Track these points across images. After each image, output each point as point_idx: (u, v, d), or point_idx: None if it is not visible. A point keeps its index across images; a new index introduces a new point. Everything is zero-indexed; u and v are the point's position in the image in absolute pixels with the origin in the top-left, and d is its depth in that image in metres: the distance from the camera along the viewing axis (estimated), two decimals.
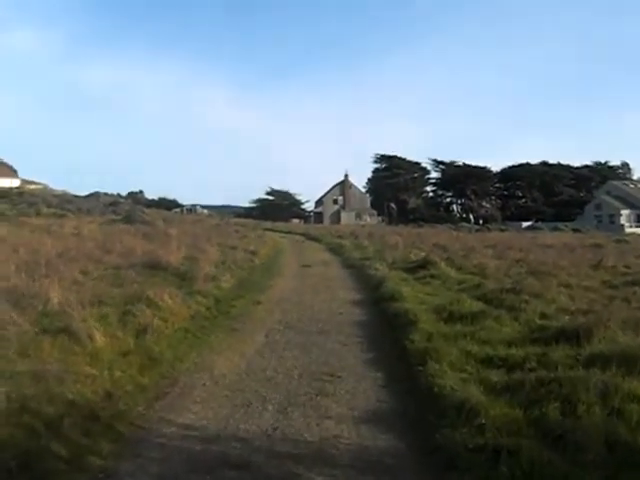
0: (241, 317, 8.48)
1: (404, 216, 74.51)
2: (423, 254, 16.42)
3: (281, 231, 42.96)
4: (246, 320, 8.29)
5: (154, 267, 10.93)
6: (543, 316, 7.43)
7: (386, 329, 7.80)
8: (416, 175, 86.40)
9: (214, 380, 5.54)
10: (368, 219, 77.19)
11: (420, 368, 5.43)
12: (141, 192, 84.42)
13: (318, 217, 77.94)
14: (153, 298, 7.52)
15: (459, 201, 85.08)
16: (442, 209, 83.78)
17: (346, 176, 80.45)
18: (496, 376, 4.99)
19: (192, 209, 67.54)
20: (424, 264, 13.86)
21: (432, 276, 12.23)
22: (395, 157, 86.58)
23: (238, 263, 14.44)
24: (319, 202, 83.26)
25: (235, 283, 11.51)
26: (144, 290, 7.98)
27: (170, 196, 79.51)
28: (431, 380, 5.01)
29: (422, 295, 9.70)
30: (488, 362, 5.48)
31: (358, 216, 77.66)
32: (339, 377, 5.64)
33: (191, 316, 7.82)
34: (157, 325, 6.52)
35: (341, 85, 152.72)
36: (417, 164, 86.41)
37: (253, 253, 17.86)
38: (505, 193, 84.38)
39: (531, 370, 4.99)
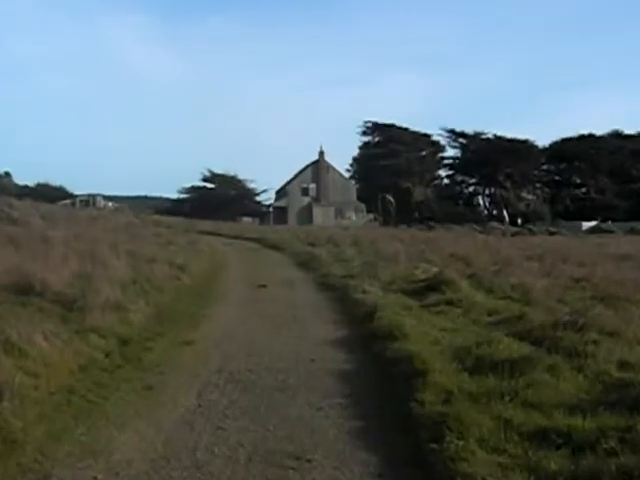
0: (160, 367, 8.43)
1: (407, 213, 75.64)
2: (435, 269, 16.74)
3: (225, 235, 43.48)
4: (168, 371, 8.25)
5: (23, 291, 10.67)
6: (623, 366, 7.40)
7: (381, 384, 7.82)
8: (424, 153, 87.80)
9: (112, 471, 5.30)
10: (353, 217, 77.93)
11: (434, 446, 5.37)
12: (7, 175, 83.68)
13: (280, 214, 78.69)
14: (17, 341, 7.34)
15: (487, 191, 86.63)
16: (462, 203, 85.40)
17: (321, 154, 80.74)
18: (555, 462, 4.87)
19: (90, 201, 66.95)
20: (437, 284, 14.12)
21: (449, 302, 12.43)
22: (393, 127, 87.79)
23: (158, 283, 14.59)
24: (281, 193, 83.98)
25: (152, 314, 11.58)
26: (2, 328, 7.76)
27: (55, 182, 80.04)
28: (452, 467, 4.91)
29: (434, 331, 9.79)
30: (540, 438, 5.37)
31: (339, 213, 78.65)
32: (309, 462, 5.52)
33: (80, 368, 7.74)
34: (22, 384, 6.28)
35: (310, 23, 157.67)
36: (425, 137, 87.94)
37: (181, 268, 18.15)
38: (556, 179, 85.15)
39: (610, 453, 4.88)
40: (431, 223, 59.84)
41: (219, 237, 41.07)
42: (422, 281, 15.25)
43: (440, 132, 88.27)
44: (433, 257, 21.46)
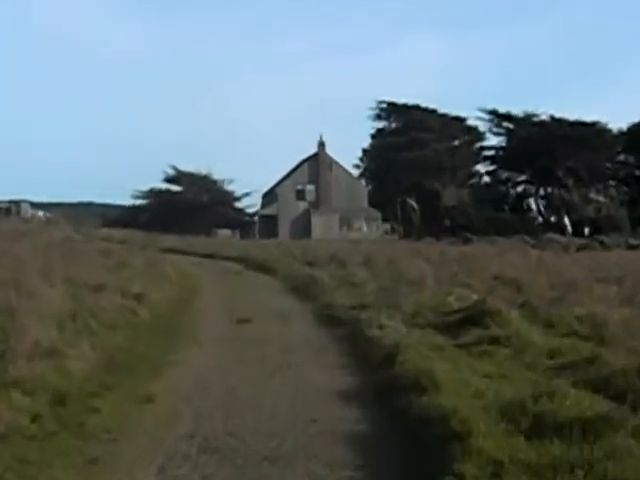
0: (110, 432, 8.38)
1: (435, 222, 75.81)
2: (474, 296, 16.91)
3: (196, 253, 44.02)
4: (121, 438, 8.21)
5: None
6: None
7: (405, 451, 7.80)
8: (457, 143, 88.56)
9: None
10: (364, 228, 78.71)
11: None
12: None
13: (268, 225, 79.52)
14: None
15: (542, 191, 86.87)
16: (509, 207, 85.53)
17: (321, 146, 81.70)
18: None
19: (12, 209, 66.76)
20: (477, 317, 14.23)
21: (494, 340, 12.52)
22: (416, 108, 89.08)
23: (107, 319, 14.66)
24: (270, 197, 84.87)
25: (100, 360, 11.58)
26: None
27: None
28: None
29: (476, 380, 9.79)
30: None
31: (345, 223, 79.52)
32: None
33: None
34: None
35: None
36: (459, 121, 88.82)
37: (139, 298, 18.29)
38: (638, 174, 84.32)
39: None
40: (467, 235, 59.91)
41: (188, 256, 41.25)
42: (457, 312, 15.33)
43: (478, 115, 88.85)
44: (471, 280, 21.57)
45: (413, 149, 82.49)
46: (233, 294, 23.55)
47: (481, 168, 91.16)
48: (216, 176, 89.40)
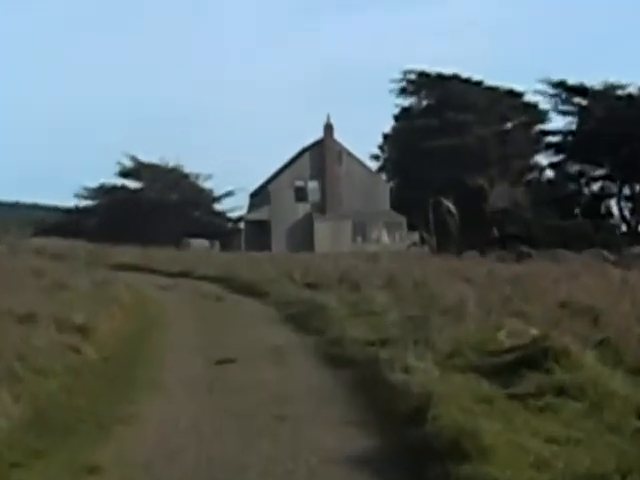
0: None
1: (479, 231, 75.16)
2: (533, 331, 16.82)
3: (162, 271, 44.40)
4: None
5: None
6: None
7: None
8: (510, 125, 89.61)
9: None
10: (385, 238, 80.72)
11: None
12: None
13: (258, 234, 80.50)
14: None
15: (628, 190, 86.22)
16: (581, 211, 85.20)
17: (328, 130, 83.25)
18: None
19: None
20: (537, 358, 14.16)
21: (561, 391, 12.43)
22: (454, 79, 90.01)
23: (38, 360, 14.62)
24: (260, 197, 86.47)
25: (27, 417, 11.55)
26: None
27: None
28: None
29: (537, 443, 9.76)
30: None
31: (360, 231, 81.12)
32: None
33: None
34: None
35: None
36: (512, 96, 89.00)
37: (82, 332, 18.42)
38: None
39: None
40: (523, 248, 59.63)
41: (151, 275, 41.77)
42: (510, 351, 15.30)
43: (539, 88, 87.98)
44: (528, 308, 21.46)
45: (450, 134, 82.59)
46: (211, 326, 23.67)
47: (542, 159, 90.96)
48: (188, 169, 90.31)
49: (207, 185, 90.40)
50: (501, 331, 17.58)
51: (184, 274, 42.42)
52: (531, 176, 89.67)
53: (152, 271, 43.53)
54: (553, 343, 14.53)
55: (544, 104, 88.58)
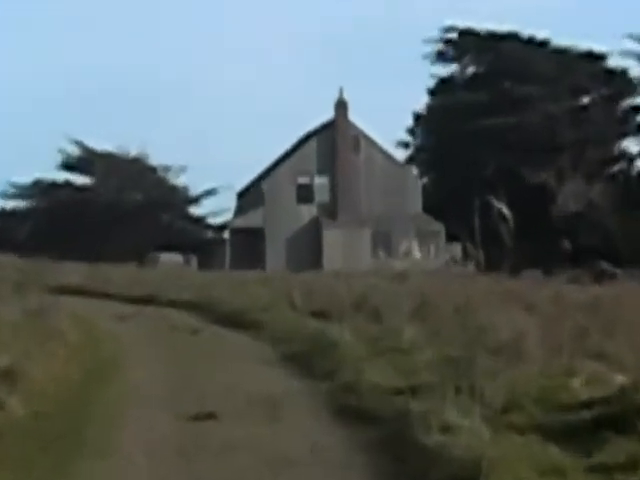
0: None
1: (543, 241, 74.77)
2: (620, 378, 16.66)
3: (120, 296, 44.68)
4: None
5: None
6: None
7: None
8: (587, 101, 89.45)
9: None
10: (416, 252, 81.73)
11: None
12: None
13: (248, 246, 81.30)
14: None
15: None
16: None
17: (340, 108, 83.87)
18: None
19: None
20: (627, 416, 13.92)
21: None
22: (512, 39, 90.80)
23: None
24: (250, 197, 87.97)
25: None
26: None
27: None
28: None
29: None
30: None
31: (383, 243, 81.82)
32: None
33: None
34: None
35: None
36: (591, 60, 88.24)
37: (8, 379, 18.25)
38: None
39: None
40: (604, 265, 59.45)
41: (106, 301, 42.15)
42: (588, 406, 15.05)
43: (628, 48, 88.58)
44: (613, 347, 21.21)
45: (506, 112, 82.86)
46: (184, 369, 23.46)
47: (632, 145, 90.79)
48: (155, 160, 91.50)
49: (180, 181, 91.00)
50: (575, 378, 17.37)
51: (149, 300, 42.54)
52: (615, 168, 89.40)
53: (106, 296, 43.50)
54: (626, 400, 14.40)
55: (635, 71, 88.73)
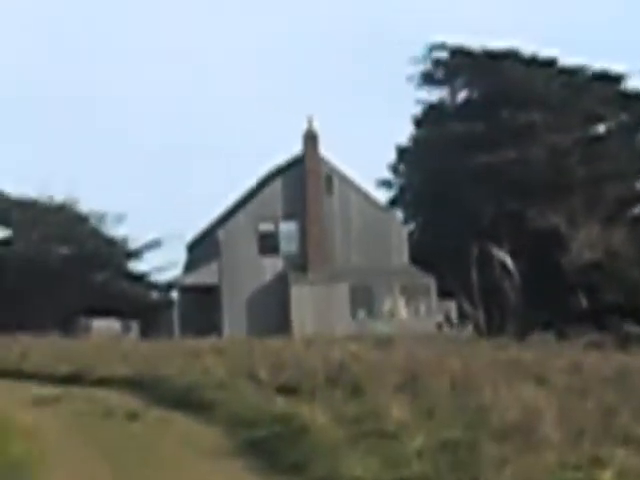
0: None
1: (554, 298, 75.22)
2: None
3: (41, 375, 44.39)
4: None
5: None
6: None
7: None
8: (603, 130, 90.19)
9: None
10: (402, 312, 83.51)
11: None
12: None
13: (200, 308, 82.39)
14: None
15: None
16: None
17: (309, 141, 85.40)
18: None
19: None
20: None
21: None
22: (511, 56, 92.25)
23: None
24: (203, 248, 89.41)
25: None
26: None
27: None
28: None
29: None
30: None
31: (362, 300, 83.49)
32: None
33: None
34: None
35: None
36: (606, 82, 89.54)
37: None
38: None
39: None
40: (630, 326, 59.54)
41: (21, 381, 42.04)
42: None
43: None
44: None
45: (506, 144, 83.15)
46: (118, 468, 22.89)
47: None
48: (87, 206, 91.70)
49: (119, 232, 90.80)
50: (605, 470, 17.11)
51: (77, 378, 42.32)
52: (638, 209, 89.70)
53: (22, 375, 42.77)
54: None
55: None
